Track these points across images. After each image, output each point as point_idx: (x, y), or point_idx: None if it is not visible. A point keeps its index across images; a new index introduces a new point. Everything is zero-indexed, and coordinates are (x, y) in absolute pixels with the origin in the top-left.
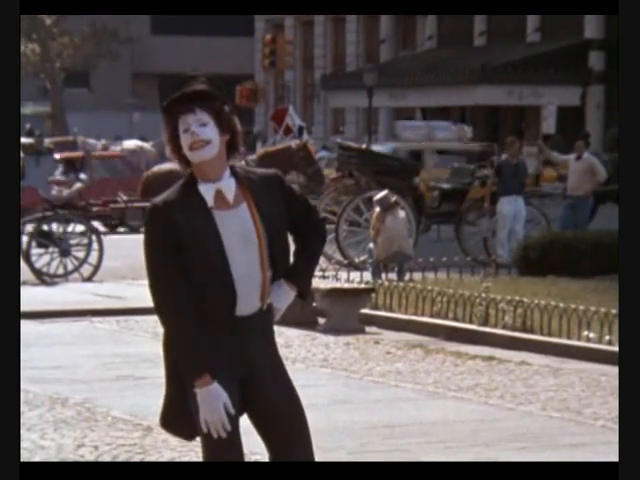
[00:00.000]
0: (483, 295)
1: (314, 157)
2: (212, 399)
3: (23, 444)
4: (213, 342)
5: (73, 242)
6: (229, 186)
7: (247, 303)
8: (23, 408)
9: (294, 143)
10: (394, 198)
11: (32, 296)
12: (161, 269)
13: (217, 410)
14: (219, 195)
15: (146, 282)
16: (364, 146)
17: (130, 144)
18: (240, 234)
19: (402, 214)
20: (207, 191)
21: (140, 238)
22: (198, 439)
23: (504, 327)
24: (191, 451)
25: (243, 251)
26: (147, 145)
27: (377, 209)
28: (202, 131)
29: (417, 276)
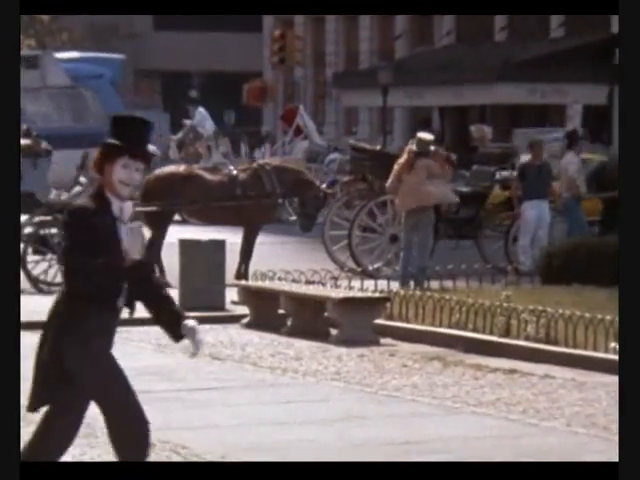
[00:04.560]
0: (504, 305)
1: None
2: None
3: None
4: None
5: None
6: (128, 207)
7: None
8: None
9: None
10: (434, 148)
11: (29, 306)
12: None
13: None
14: (120, 211)
15: None
16: (378, 147)
17: None
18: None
19: (435, 168)
20: (116, 208)
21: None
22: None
23: (526, 338)
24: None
25: None
26: (150, 146)
27: (410, 147)
28: (136, 176)
29: (434, 285)
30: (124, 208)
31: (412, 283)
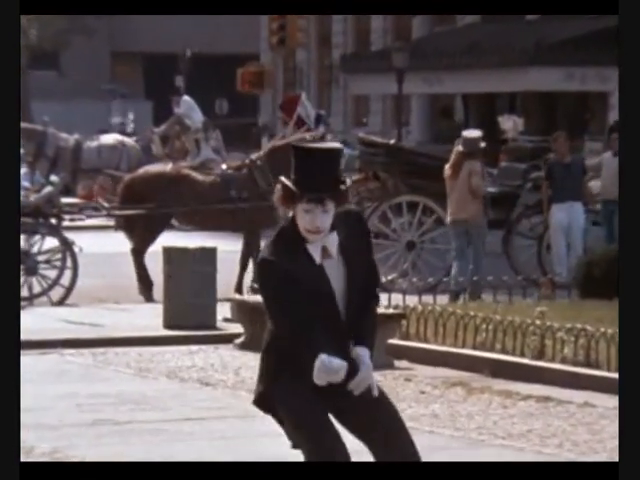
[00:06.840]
0: (537, 322)
1: None
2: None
3: None
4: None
5: (41, 258)
6: (333, 241)
7: None
8: None
9: (309, 135)
10: (484, 144)
11: None
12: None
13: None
14: (324, 250)
15: (129, 306)
16: (392, 141)
17: (109, 139)
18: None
19: (478, 167)
20: (314, 250)
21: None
22: None
23: (563, 361)
24: None
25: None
26: (129, 140)
27: (459, 148)
28: (323, 220)
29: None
30: (328, 242)
31: (462, 296)
